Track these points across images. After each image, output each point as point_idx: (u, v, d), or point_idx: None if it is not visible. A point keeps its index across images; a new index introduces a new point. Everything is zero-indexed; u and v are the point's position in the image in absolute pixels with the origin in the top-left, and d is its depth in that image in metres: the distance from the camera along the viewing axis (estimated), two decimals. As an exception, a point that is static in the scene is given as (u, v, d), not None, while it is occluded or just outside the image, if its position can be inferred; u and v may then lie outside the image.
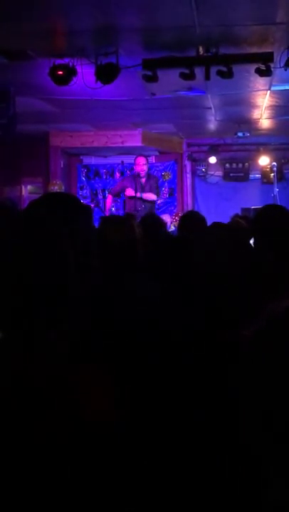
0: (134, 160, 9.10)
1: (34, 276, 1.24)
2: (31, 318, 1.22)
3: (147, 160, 9.12)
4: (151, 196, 8.86)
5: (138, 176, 8.85)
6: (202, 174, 12.16)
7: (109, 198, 9.30)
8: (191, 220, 4.67)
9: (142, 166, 8.87)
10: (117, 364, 1.85)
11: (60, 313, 1.26)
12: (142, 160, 8.92)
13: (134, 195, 8.66)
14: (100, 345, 2.08)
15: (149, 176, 9.27)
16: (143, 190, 8.76)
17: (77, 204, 2.43)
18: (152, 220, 5.06)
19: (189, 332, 1.84)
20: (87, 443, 1.08)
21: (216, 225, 2.52)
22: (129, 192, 8.77)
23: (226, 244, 1.97)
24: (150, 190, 8.93)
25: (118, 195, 9.24)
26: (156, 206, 9.10)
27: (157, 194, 9.20)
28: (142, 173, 8.85)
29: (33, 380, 1.12)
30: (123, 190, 9.02)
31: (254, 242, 3.37)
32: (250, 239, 3.32)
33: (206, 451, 1.30)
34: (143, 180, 8.81)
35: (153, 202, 8.89)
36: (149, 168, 11.21)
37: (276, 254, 3.01)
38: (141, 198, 8.71)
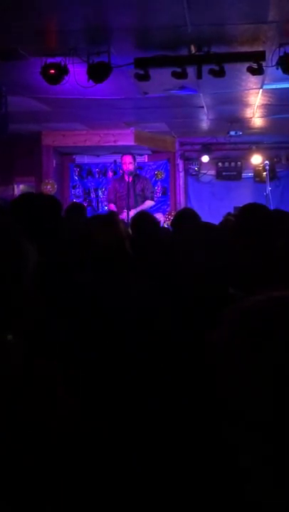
0: (121, 159, 9.10)
1: None
2: None
3: (134, 158, 9.10)
4: (148, 204, 8.89)
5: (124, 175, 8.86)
6: (195, 173, 12.17)
7: (112, 207, 9.23)
8: (185, 218, 4.68)
9: (127, 164, 8.86)
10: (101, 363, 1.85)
11: (14, 313, 1.26)
12: (128, 158, 8.91)
13: (115, 210, 8.69)
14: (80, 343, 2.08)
15: (138, 176, 9.25)
16: (134, 190, 8.74)
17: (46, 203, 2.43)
18: (145, 219, 5.06)
19: (175, 331, 1.85)
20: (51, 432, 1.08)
21: (199, 225, 2.53)
22: (112, 207, 8.82)
23: (202, 244, 1.98)
24: (142, 192, 8.90)
25: (115, 200, 9.17)
26: (159, 206, 9.11)
27: (152, 198, 9.18)
28: (130, 171, 8.83)
29: None
30: (116, 192, 8.98)
31: (235, 240, 3.39)
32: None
33: (180, 443, 1.31)
34: (130, 179, 8.78)
35: (142, 199, 8.88)
36: (141, 167, 11.22)
37: (254, 252, 3.02)
38: (134, 196, 8.69)
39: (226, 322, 0.83)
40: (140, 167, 11.14)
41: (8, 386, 1.11)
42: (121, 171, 9.56)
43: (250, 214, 3.20)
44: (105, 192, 9.62)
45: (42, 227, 1.35)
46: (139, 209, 8.51)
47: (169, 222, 9.61)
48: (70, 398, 1.14)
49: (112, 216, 2.96)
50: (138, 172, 9.76)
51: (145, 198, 8.97)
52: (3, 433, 1.06)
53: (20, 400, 1.10)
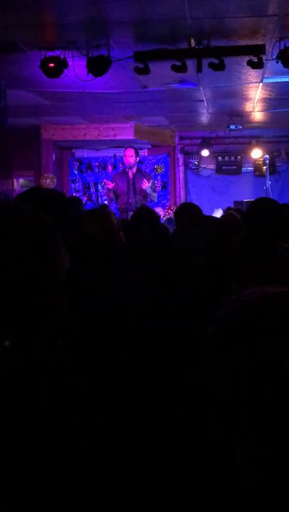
0: (124, 152, 9.06)
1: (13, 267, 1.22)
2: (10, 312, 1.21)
3: (136, 152, 9.07)
4: (144, 184, 8.77)
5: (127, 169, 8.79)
6: (195, 167, 12.15)
7: (110, 185, 9.10)
8: (186, 212, 4.67)
9: (130, 157, 8.82)
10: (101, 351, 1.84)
11: (39, 304, 1.25)
12: (130, 151, 8.88)
13: (111, 187, 8.64)
14: (82, 333, 2.08)
15: (140, 171, 9.22)
16: (134, 184, 8.71)
17: (60, 198, 2.42)
18: (146, 214, 5.05)
19: (171, 324, 1.85)
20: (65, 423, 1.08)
21: (198, 220, 2.51)
22: (110, 185, 8.75)
23: (200, 237, 1.97)
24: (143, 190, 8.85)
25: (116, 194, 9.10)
26: (149, 200, 9.02)
27: (153, 189, 9.12)
28: (132, 164, 8.79)
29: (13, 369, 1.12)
30: (117, 188, 8.91)
31: (245, 234, 3.38)
32: (238, 231, 3.33)
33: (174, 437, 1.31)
34: (131, 172, 8.74)
35: (145, 193, 8.82)
36: (141, 162, 11.19)
37: (264, 246, 3.02)
38: (134, 191, 8.66)
39: (220, 315, 0.82)
40: (140, 161, 11.11)
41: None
42: (121, 165, 9.54)
43: (262, 208, 3.20)
44: (105, 186, 9.55)
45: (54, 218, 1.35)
46: (149, 190, 8.49)
47: (168, 216, 9.61)
48: (77, 387, 1.14)
49: (103, 209, 2.96)
50: (139, 167, 9.73)
51: (147, 195, 8.95)
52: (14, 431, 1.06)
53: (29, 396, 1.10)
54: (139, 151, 10.80)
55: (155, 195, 9.27)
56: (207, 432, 0.80)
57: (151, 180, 8.95)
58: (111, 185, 8.74)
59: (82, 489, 1.07)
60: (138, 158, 9.28)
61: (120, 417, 1.29)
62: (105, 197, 11.23)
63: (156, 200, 9.40)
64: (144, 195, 8.85)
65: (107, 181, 8.98)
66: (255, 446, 0.74)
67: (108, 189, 8.88)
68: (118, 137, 10.80)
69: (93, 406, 1.14)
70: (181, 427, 1.41)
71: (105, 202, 11.32)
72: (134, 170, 8.85)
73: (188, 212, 4.56)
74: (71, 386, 1.13)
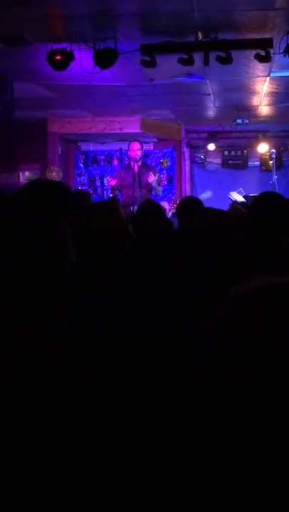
0: (128, 145, 9.05)
1: (27, 266, 1.22)
2: (22, 308, 1.21)
3: (142, 145, 9.06)
4: (150, 178, 8.75)
5: (132, 162, 8.78)
6: (201, 161, 12.12)
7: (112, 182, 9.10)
8: (187, 206, 4.66)
9: (136, 151, 8.81)
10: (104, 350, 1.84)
11: (50, 303, 1.25)
12: (135, 145, 8.87)
13: (114, 185, 8.66)
14: (91, 332, 2.07)
15: (145, 165, 9.20)
16: (139, 178, 8.69)
17: (67, 191, 2.41)
18: (151, 207, 5.04)
19: (176, 320, 1.84)
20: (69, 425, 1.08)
21: (204, 213, 2.50)
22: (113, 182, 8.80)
23: (207, 234, 1.96)
24: (148, 183, 8.81)
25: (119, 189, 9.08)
26: (154, 194, 9.01)
27: (158, 183, 9.11)
28: (137, 158, 8.79)
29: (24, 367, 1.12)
30: (122, 181, 8.90)
31: (250, 229, 3.37)
32: (242, 225, 3.31)
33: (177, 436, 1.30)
34: (136, 166, 8.73)
35: (150, 187, 8.82)
36: (147, 155, 11.17)
37: (268, 241, 3.01)
38: (140, 185, 8.65)
39: (222, 308, 0.82)
40: (146, 155, 11.09)
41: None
42: (127, 159, 9.52)
43: (266, 204, 3.18)
44: (109, 184, 9.54)
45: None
46: (154, 184, 8.49)
47: (174, 211, 9.60)
48: (80, 387, 1.14)
49: (112, 202, 2.93)
50: (144, 160, 9.71)
51: (152, 188, 8.94)
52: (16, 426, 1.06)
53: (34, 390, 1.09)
54: (145, 144, 10.79)
55: (160, 188, 9.27)
56: (207, 432, 0.79)
57: (156, 174, 8.95)
58: (114, 183, 8.73)
59: (82, 489, 1.07)
60: (143, 152, 9.28)
61: (120, 417, 1.29)
62: (110, 191, 11.24)
63: (161, 193, 9.39)
64: (149, 188, 8.84)
65: (110, 179, 8.97)
66: (255, 446, 0.73)
67: (112, 186, 8.88)
68: (124, 131, 10.77)
69: (93, 406, 1.14)
70: (181, 427, 1.41)
71: (110, 195, 11.32)
72: (140, 163, 8.84)
73: (191, 206, 4.56)
74: (71, 386, 1.13)
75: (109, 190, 9.50)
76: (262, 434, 0.72)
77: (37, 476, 1.05)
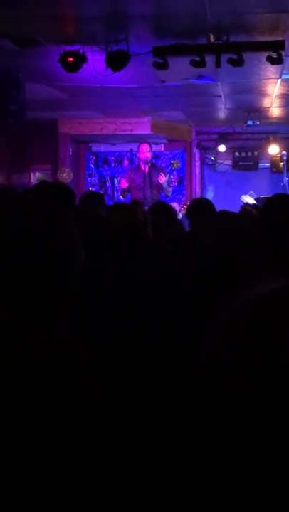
0: (138, 147, 9.06)
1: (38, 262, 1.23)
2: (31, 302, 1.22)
3: (151, 147, 9.07)
4: (161, 178, 8.77)
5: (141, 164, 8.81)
6: (211, 163, 12.11)
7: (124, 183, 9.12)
8: (199, 208, 4.67)
9: (145, 153, 8.83)
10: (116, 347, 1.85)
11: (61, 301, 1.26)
12: (145, 147, 8.88)
13: (125, 187, 8.68)
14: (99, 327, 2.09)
15: (154, 166, 9.22)
16: (150, 180, 8.71)
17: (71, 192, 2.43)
18: (163, 209, 5.05)
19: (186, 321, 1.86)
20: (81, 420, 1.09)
21: (217, 215, 2.52)
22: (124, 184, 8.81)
23: (220, 236, 1.97)
24: (158, 183, 8.83)
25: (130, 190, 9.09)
26: (163, 195, 9.03)
27: (168, 184, 9.14)
28: (147, 160, 8.80)
29: (33, 358, 1.13)
30: (132, 182, 8.91)
31: (261, 231, 3.37)
32: (254, 227, 3.31)
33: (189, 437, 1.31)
34: (146, 167, 8.75)
35: (160, 188, 8.84)
36: (157, 156, 11.18)
37: (281, 242, 3.01)
38: (150, 186, 8.66)
39: (225, 312, 0.83)
40: (156, 156, 11.10)
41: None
42: (137, 160, 9.54)
43: (280, 205, 3.19)
44: (120, 186, 9.56)
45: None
46: (165, 185, 8.52)
47: (184, 212, 9.60)
48: (96, 388, 1.15)
49: (130, 203, 2.96)
50: (154, 162, 9.72)
51: (162, 189, 8.96)
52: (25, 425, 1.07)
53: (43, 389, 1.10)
54: (156, 145, 10.81)
55: (170, 189, 9.29)
56: (207, 432, 0.80)
57: (166, 175, 8.97)
58: (126, 185, 8.75)
59: (82, 489, 1.07)
60: (153, 154, 9.30)
61: (120, 417, 1.30)
62: (120, 192, 11.25)
63: (170, 194, 9.41)
64: (159, 189, 8.86)
65: (123, 180, 8.97)
66: (256, 447, 0.74)
67: (123, 189, 8.90)
68: (135, 132, 10.79)
69: (93, 406, 1.14)
70: (181, 427, 1.42)
71: (121, 197, 11.33)
72: (150, 165, 8.86)
73: (202, 208, 4.57)
74: (71, 386, 1.13)
75: (119, 192, 9.52)
76: (262, 434, 0.73)
77: (37, 476, 1.06)
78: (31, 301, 1.22)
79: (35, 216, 1.28)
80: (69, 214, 1.33)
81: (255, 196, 9.10)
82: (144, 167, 8.73)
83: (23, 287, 1.22)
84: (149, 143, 9.10)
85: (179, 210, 9.57)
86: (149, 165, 8.83)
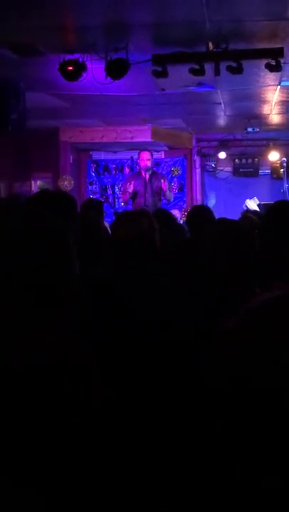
0: (138, 155, 9.09)
1: (35, 268, 1.25)
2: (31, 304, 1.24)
3: (151, 155, 9.10)
4: (164, 185, 8.81)
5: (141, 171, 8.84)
6: (212, 170, 12.14)
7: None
8: (199, 215, 4.69)
9: (145, 161, 8.86)
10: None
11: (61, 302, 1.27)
12: (145, 155, 8.90)
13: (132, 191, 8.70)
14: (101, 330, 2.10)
15: (155, 173, 9.24)
16: (151, 187, 8.73)
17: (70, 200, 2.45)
18: (163, 215, 5.07)
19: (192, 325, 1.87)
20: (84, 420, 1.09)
21: (218, 222, 2.54)
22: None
23: (222, 241, 1.99)
24: (159, 190, 8.85)
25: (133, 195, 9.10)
26: (165, 202, 9.06)
27: (169, 189, 9.17)
28: (147, 167, 8.82)
29: (35, 358, 1.14)
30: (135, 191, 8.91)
31: (263, 238, 3.38)
32: (255, 234, 3.32)
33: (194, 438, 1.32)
34: (147, 175, 8.78)
35: (162, 194, 8.87)
36: (158, 164, 11.20)
37: (281, 251, 3.02)
38: (152, 193, 8.68)
39: (237, 315, 0.84)
40: (157, 163, 11.13)
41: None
42: (138, 168, 9.57)
43: (281, 213, 3.19)
44: (122, 188, 9.56)
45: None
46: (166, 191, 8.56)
47: (184, 219, 9.61)
48: (103, 388, 1.16)
49: (136, 211, 2.98)
50: (155, 169, 9.75)
51: (162, 196, 8.98)
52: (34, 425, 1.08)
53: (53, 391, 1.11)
54: (157, 153, 10.84)
55: (171, 195, 9.30)
56: (207, 432, 0.81)
57: (166, 182, 8.99)
58: (132, 189, 8.75)
59: (82, 489, 1.08)
60: (153, 161, 9.32)
61: (120, 417, 1.30)
62: (122, 199, 11.26)
63: (172, 200, 9.43)
64: (160, 196, 8.88)
65: (128, 184, 8.95)
66: (256, 445, 0.75)
67: (129, 193, 8.89)
68: (135, 139, 10.82)
69: (93, 406, 1.15)
70: (181, 427, 1.43)
71: (122, 204, 11.34)
72: (150, 172, 8.88)
73: (201, 216, 4.59)
74: (71, 386, 1.14)
75: (121, 200, 9.54)
76: (262, 434, 0.74)
77: (36, 476, 1.06)
78: (31, 301, 1.23)
79: (32, 226, 1.30)
80: (65, 225, 1.35)
81: (258, 202, 9.13)
82: (145, 174, 8.75)
83: (23, 287, 1.23)
84: (149, 150, 9.12)
85: (180, 217, 9.60)
86: (150, 172, 8.85)
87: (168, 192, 8.85)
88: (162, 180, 8.78)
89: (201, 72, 6.03)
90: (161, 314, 2.14)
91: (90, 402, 1.14)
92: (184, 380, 1.61)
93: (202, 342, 1.58)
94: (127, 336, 2.18)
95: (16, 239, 1.25)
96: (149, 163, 8.84)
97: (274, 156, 11.50)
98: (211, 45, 5.90)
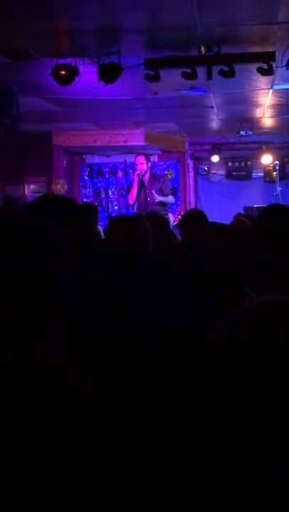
0: (135, 160, 9.13)
1: (29, 275, 1.25)
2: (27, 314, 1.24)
3: (147, 158, 9.13)
4: (170, 199, 8.96)
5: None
6: (205, 173, 12.17)
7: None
8: (192, 219, 4.70)
9: (140, 165, 8.91)
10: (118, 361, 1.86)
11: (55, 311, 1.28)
12: (141, 159, 8.95)
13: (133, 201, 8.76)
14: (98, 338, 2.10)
15: (154, 175, 9.27)
16: (144, 192, 8.76)
17: (71, 207, 2.46)
18: (156, 219, 5.08)
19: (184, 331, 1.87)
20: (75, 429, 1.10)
21: (211, 225, 2.55)
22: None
23: (215, 245, 2.00)
24: (161, 191, 8.91)
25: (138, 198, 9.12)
26: (169, 206, 9.18)
27: (166, 193, 9.22)
28: (142, 172, 8.88)
29: (28, 369, 1.14)
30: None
31: (257, 241, 3.40)
32: (249, 238, 3.33)
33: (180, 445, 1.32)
34: (146, 177, 8.82)
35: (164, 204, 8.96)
36: (152, 167, 11.22)
37: (277, 254, 3.03)
38: (146, 198, 8.72)
39: (227, 320, 0.85)
40: (150, 167, 11.15)
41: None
42: (132, 171, 9.61)
43: (275, 215, 3.21)
44: (115, 192, 9.59)
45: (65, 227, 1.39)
46: (161, 199, 8.60)
47: (177, 223, 9.63)
48: (93, 398, 1.16)
49: (131, 216, 2.99)
50: (153, 172, 9.80)
51: (165, 196, 9.05)
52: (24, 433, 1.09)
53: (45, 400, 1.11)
54: (150, 157, 10.86)
55: (171, 197, 9.33)
56: (207, 432, 0.82)
57: (160, 185, 9.01)
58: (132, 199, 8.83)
59: (82, 489, 1.08)
60: (150, 164, 9.35)
61: (120, 417, 1.31)
62: (116, 202, 11.29)
63: (173, 201, 9.50)
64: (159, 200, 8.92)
65: (130, 197, 9.02)
66: (257, 446, 0.75)
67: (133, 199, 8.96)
68: (129, 143, 10.84)
69: (93, 407, 1.15)
70: (181, 427, 1.43)
71: (116, 207, 11.37)
72: (147, 176, 8.93)
73: (194, 219, 4.60)
74: (71, 386, 1.14)
75: (117, 199, 9.58)
76: (262, 434, 0.75)
77: (36, 476, 1.06)
78: (31, 302, 1.24)
79: (25, 237, 1.31)
80: (58, 236, 1.35)
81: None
82: (143, 179, 8.81)
83: (23, 288, 1.24)
84: (145, 154, 9.16)
85: (173, 220, 9.61)
86: (147, 176, 8.93)
87: (163, 199, 8.89)
88: (162, 180, 8.87)
89: (193, 76, 6.05)
90: (160, 314, 2.15)
91: (89, 402, 1.14)
92: (184, 380, 1.61)
93: (199, 341, 1.59)
94: (126, 336, 2.18)
95: (3, 249, 1.26)
96: (145, 167, 8.91)
97: (267, 159, 11.54)
98: (203, 49, 5.92)
